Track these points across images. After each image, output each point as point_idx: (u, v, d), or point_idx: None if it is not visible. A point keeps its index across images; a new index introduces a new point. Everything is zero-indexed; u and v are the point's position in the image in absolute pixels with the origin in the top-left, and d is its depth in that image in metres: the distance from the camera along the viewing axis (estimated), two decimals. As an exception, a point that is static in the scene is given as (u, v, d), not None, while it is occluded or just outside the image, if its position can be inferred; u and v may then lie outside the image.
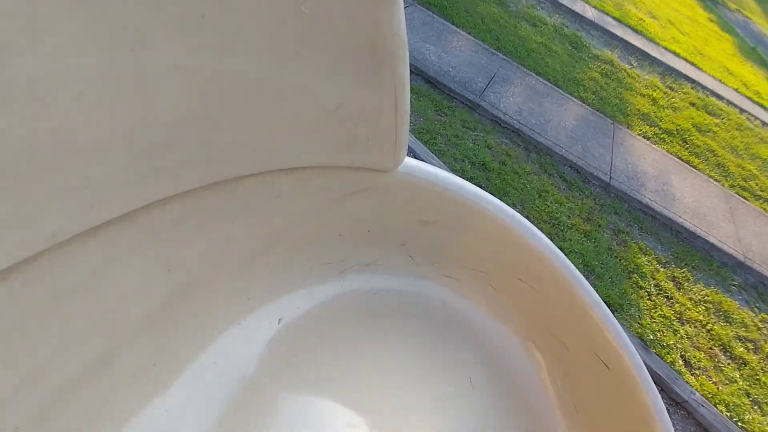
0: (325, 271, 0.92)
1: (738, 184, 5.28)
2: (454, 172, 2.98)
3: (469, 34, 5.23)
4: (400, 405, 0.87)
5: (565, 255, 0.91)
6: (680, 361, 2.99)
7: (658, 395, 0.83)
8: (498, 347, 1.00)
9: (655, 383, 0.83)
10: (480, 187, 0.90)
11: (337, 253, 0.92)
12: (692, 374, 2.95)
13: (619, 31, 7.38)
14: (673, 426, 0.81)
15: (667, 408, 0.81)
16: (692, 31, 9.97)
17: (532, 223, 0.92)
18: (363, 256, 0.96)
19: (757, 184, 5.47)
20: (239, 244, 0.70)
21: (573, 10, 7.16)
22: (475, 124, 4.02)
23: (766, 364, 3.34)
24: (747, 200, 5.09)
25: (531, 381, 0.97)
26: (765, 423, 2.81)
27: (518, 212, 0.91)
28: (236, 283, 0.76)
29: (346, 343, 0.91)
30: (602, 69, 6.09)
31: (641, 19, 8.69)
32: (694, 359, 3.06)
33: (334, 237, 0.88)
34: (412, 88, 4.05)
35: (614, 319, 0.87)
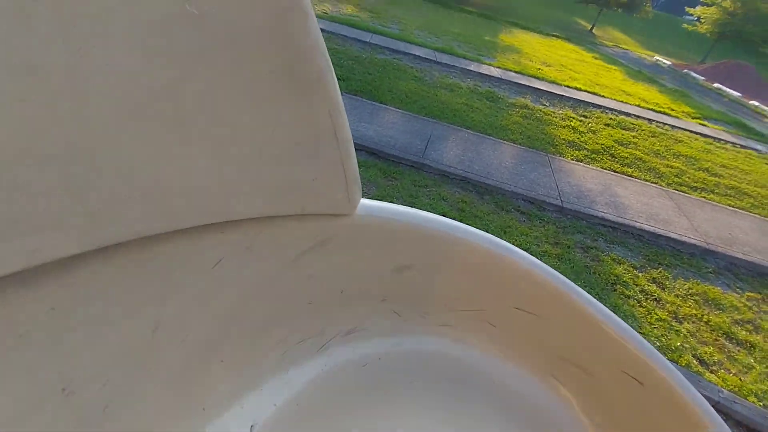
0: (300, 352, 0.78)
1: (673, 181, 5.70)
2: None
3: (397, 108, 5.65)
4: None
5: None
6: (695, 361, 2.88)
7: (699, 395, 0.73)
8: (517, 392, 0.87)
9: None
10: None
11: (310, 326, 0.79)
12: (711, 371, 2.83)
13: (524, 81, 8.33)
14: None
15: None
16: (584, 69, 11.46)
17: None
18: (342, 323, 0.84)
19: (689, 178, 5.93)
20: (175, 337, 0.55)
21: (481, 73, 8.05)
22: (425, 181, 4.15)
23: (771, 341, 3.30)
24: (687, 193, 5.46)
25: (563, 420, 0.84)
26: (799, 402, 2.68)
27: None
28: (182, 391, 0.60)
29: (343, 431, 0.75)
30: (521, 113, 6.71)
31: (538, 68, 9.92)
32: (707, 355, 2.97)
33: (303, 306, 0.76)
34: (358, 162, 4.20)
35: (630, 328, 0.79)
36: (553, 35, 17.94)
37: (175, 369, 0.58)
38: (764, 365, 3.03)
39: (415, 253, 0.81)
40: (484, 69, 8.37)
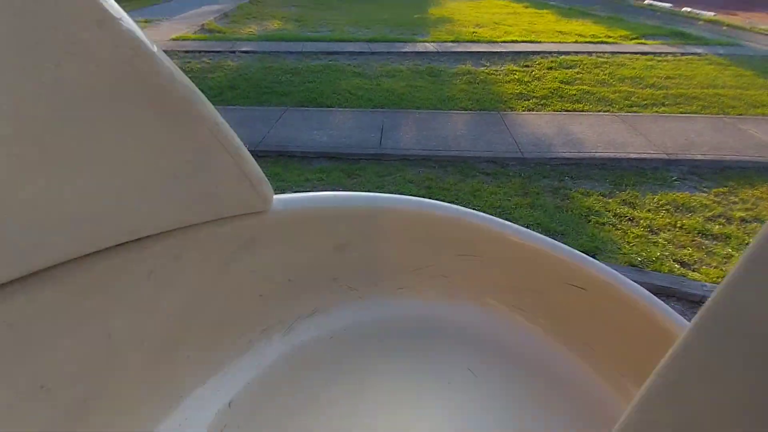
0: (266, 337, 0.83)
1: (623, 105, 5.86)
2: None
3: (345, 107, 5.68)
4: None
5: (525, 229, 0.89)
6: (676, 266, 3.00)
7: (641, 288, 0.79)
8: (482, 328, 0.93)
9: (666, 296, 0.79)
10: None
11: (269, 315, 0.82)
12: (693, 270, 2.96)
13: (461, 48, 8.42)
14: None
15: (693, 309, 0.78)
16: (516, 21, 11.61)
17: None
18: (301, 309, 0.88)
19: (637, 98, 6.09)
20: (132, 341, 0.61)
21: (417, 52, 8.12)
22: (388, 170, 4.21)
23: (745, 227, 3.45)
24: (638, 113, 5.62)
25: (528, 341, 0.90)
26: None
27: None
28: (155, 383, 0.66)
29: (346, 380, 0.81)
30: (465, 79, 6.80)
31: (473, 32, 10.02)
32: (686, 257, 3.09)
33: (254, 299, 0.79)
34: (322, 170, 4.17)
35: (566, 246, 0.85)
36: (481, -4, 18.08)
37: (143, 366, 0.63)
38: (743, 251, 3.17)
39: (345, 231, 0.87)
40: (420, 47, 8.44)
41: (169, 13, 12.55)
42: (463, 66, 7.44)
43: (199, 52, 7.72)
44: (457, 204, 0.93)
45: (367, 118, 5.33)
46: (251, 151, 0.65)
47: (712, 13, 13.73)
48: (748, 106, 5.84)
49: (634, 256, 3.05)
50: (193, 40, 8.70)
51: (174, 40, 8.59)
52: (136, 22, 0.46)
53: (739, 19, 13.34)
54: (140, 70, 0.48)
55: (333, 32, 9.75)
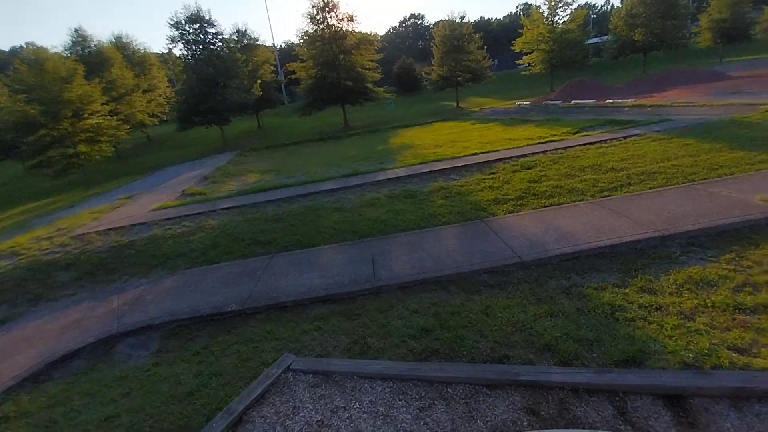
0: None
1: (594, 191, 6.09)
2: (411, 338, 2.67)
3: (331, 244, 5.63)
4: None
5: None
6: (734, 354, 2.66)
7: None
8: None
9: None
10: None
11: None
12: (752, 355, 2.62)
13: (429, 168, 9.01)
14: None
15: None
16: (469, 136, 12.84)
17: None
18: None
19: (604, 183, 6.38)
20: None
21: (390, 178, 8.60)
22: (389, 302, 3.94)
23: None
24: (611, 196, 5.81)
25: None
26: None
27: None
28: None
29: None
30: (441, 195, 7.07)
31: (435, 151, 10.91)
32: (738, 340, 2.77)
33: None
34: (318, 317, 3.84)
35: None
36: (432, 122, 20.41)
37: None
38: (788, 320, 2.90)
39: None
40: (391, 173, 8.97)
41: (151, 185, 13.27)
42: (436, 183, 7.82)
43: (180, 217, 7.89)
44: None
45: (356, 252, 5.25)
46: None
47: (633, 100, 15.74)
48: (707, 170, 6.18)
49: (683, 353, 2.70)
50: (174, 207, 8.99)
51: (155, 210, 8.85)
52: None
53: (657, 99, 15.29)
54: None
55: (308, 175, 10.38)
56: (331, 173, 10.03)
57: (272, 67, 30.74)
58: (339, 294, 4.25)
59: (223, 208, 8.18)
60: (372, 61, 25.09)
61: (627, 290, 3.57)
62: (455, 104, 28.45)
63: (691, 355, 2.68)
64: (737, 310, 3.09)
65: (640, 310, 3.26)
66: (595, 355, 2.84)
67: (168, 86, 28.54)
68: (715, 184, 5.56)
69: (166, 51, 27.22)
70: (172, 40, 23.42)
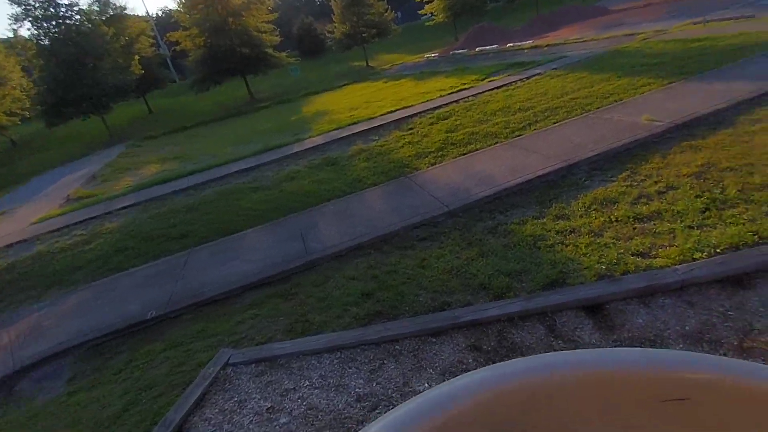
0: None
1: (506, 133, 6.36)
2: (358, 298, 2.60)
3: (254, 226, 5.28)
4: None
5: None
6: (637, 259, 2.98)
7: None
8: None
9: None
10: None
11: None
12: (651, 257, 2.95)
13: (346, 132, 8.76)
14: None
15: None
16: (383, 95, 12.68)
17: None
18: None
19: (514, 123, 6.68)
20: None
21: (307, 148, 8.23)
22: (325, 274, 3.82)
23: (665, 198, 3.65)
24: (521, 135, 6.11)
25: None
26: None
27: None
28: None
29: None
30: (362, 157, 6.93)
31: (350, 115, 10.62)
32: (639, 246, 3.10)
33: None
34: (254, 304, 3.56)
35: None
36: (344, 85, 19.79)
37: None
38: (684, 221, 3.28)
39: None
40: (308, 143, 8.59)
41: (27, 195, 11.39)
42: (356, 146, 7.64)
43: (68, 226, 6.86)
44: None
45: (282, 229, 4.98)
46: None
47: (531, 41, 16.57)
48: (600, 99, 6.72)
49: (597, 266, 2.96)
50: (59, 215, 7.80)
51: (36, 223, 7.60)
52: None
53: (551, 38, 16.25)
54: None
55: (217, 157, 9.56)
56: (243, 152, 9.34)
57: (151, 40, 26.55)
58: (271, 276, 4.03)
59: (121, 208, 7.27)
60: (267, 22, 22.85)
61: (545, 220, 3.80)
62: (365, 63, 27.81)
63: (603, 267, 2.94)
64: (636, 220, 3.44)
65: (558, 236, 3.50)
66: (524, 284, 3.02)
67: (23, 76, 23.20)
68: (608, 111, 6.08)
69: (11, 35, 22.15)
70: (16, 19, 19.11)
